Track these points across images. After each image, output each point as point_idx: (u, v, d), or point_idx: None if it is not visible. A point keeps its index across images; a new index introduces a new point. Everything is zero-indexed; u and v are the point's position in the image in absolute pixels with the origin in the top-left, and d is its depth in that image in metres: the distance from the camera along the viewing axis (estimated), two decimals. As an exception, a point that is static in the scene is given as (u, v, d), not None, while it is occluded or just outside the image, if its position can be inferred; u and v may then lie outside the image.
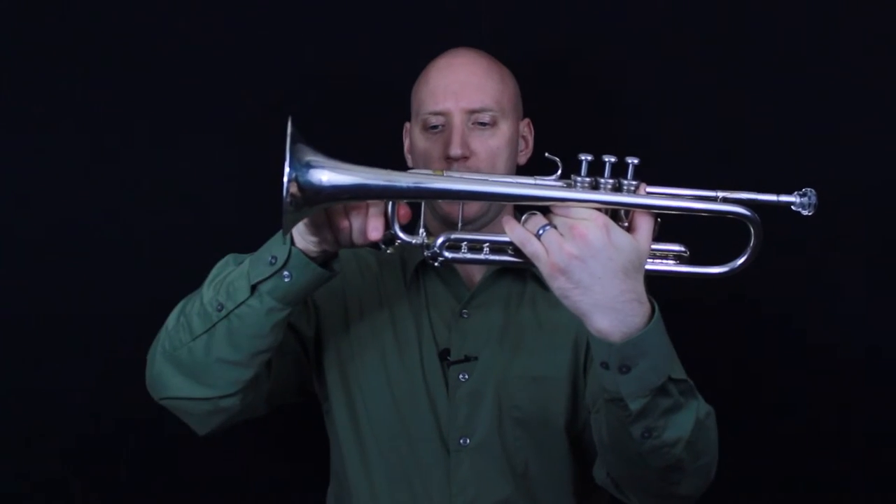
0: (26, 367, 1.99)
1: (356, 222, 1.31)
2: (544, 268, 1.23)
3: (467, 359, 1.59)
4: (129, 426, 2.00)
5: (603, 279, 1.21)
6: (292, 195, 1.21)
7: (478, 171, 1.56)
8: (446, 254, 1.29)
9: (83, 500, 2.02)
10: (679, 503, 1.39)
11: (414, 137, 1.65)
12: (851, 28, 1.97)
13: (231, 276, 1.39)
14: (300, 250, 1.34)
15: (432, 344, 1.61)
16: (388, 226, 1.31)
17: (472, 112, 1.58)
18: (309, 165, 1.23)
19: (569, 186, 1.27)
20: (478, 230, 1.58)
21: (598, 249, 1.20)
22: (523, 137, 1.68)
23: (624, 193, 1.25)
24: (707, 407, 1.35)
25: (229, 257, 1.47)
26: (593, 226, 1.21)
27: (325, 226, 1.32)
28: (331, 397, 1.63)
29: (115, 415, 1.99)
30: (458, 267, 1.64)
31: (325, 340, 1.63)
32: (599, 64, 2.03)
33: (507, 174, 1.58)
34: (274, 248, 1.36)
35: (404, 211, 1.32)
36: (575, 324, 1.49)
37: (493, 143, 1.59)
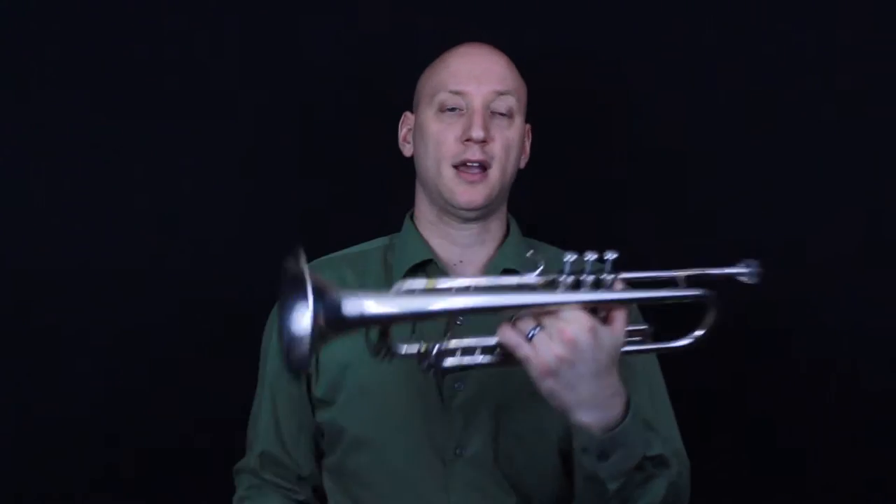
0: (25, 368, 1.98)
1: None
2: (534, 370, 1.30)
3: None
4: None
5: (588, 378, 1.30)
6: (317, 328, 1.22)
7: (493, 157, 1.56)
8: (445, 364, 1.34)
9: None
10: None
11: (424, 121, 1.61)
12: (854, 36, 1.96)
13: None
14: None
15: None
16: (386, 340, 1.33)
17: (496, 94, 1.57)
18: (327, 300, 1.24)
19: (552, 286, 1.33)
20: (480, 220, 1.61)
21: (585, 351, 1.28)
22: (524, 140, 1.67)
23: (603, 290, 1.32)
24: (678, 467, 1.46)
25: None
26: (581, 329, 1.28)
27: None
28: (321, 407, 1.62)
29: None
30: (451, 271, 1.62)
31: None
32: (599, 64, 2.02)
33: (514, 170, 1.61)
34: None
35: None
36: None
37: (510, 134, 1.58)
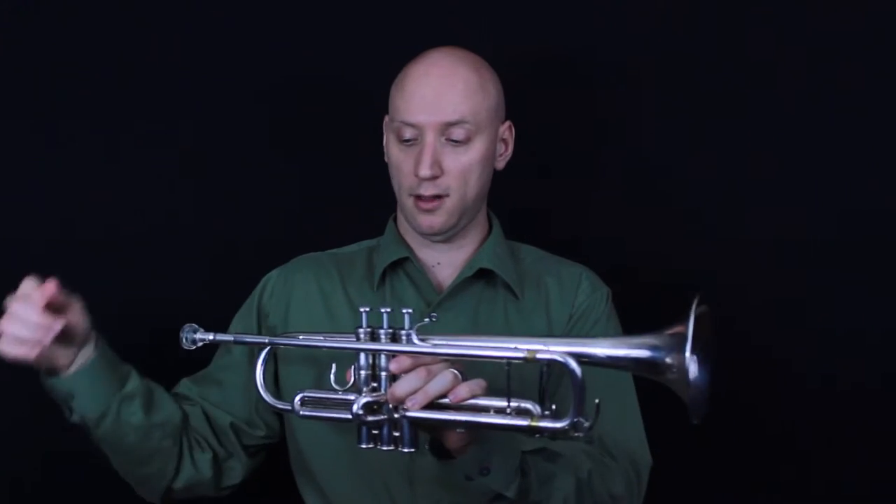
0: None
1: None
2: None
3: None
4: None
5: None
6: None
7: (447, 188, 1.57)
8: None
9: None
10: None
11: (388, 143, 1.63)
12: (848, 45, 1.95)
13: None
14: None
15: None
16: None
17: (447, 125, 1.56)
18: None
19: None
20: (448, 241, 1.63)
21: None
22: (503, 141, 1.65)
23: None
24: (589, 464, 1.49)
25: None
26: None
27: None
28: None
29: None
30: (429, 272, 1.65)
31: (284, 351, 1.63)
32: (597, 64, 2.01)
33: (479, 189, 1.61)
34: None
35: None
36: (544, 334, 1.59)
37: (465, 159, 1.57)
